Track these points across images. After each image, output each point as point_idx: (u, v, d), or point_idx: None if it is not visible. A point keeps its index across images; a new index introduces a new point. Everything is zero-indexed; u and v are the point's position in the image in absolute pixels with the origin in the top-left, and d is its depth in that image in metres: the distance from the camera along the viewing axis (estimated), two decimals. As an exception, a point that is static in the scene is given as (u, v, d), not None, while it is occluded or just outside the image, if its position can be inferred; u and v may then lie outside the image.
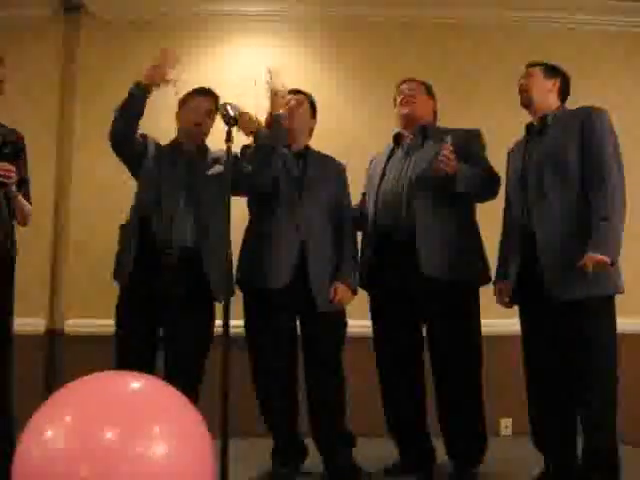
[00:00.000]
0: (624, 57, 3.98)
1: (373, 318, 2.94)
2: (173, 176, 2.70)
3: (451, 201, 2.78)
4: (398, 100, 2.99)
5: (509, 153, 2.85)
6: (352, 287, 2.82)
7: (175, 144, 2.81)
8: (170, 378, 2.15)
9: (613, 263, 2.43)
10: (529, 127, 2.76)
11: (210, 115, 2.78)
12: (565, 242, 2.50)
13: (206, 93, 2.81)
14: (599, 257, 2.38)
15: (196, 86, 2.84)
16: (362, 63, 3.84)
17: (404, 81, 3.03)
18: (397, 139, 3.00)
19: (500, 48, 3.89)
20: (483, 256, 2.86)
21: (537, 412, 2.65)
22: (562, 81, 2.74)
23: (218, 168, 2.74)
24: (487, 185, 2.81)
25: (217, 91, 2.81)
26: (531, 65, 2.77)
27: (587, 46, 3.93)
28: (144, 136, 2.76)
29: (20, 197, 2.64)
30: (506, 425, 3.64)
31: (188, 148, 2.79)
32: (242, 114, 2.51)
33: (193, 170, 2.74)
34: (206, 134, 2.83)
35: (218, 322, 2.51)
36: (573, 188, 2.52)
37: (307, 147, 2.98)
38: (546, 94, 2.71)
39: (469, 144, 2.82)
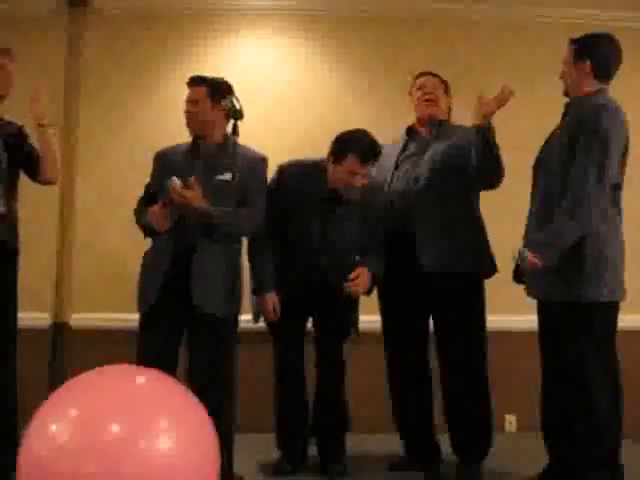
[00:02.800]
0: (631, 52, 3.94)
1: (382, 313, 2.94)
2: None
3: (458, 197, 2.79)
4: (417, 94, 2.92)
5: None
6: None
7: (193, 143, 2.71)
8: None
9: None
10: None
11: (199, 103, 2.63)
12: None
13: (192, 83, 2.68)
14: (531, 258, 2.34)
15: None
16: (368, 59, 3.82)
17: (423, 74, 2.96)
18: (409, 133, 2.97)
19: (507, 44, 3.86)
20: (488, 250, 2.86)
21: (548, 407, 2.62)
22: (596, 60, 2.51)
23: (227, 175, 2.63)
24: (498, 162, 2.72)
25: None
26: (571, 42, 2.57)
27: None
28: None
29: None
30: (510, 421, 3.63)
31: (205, 150, 2.67)
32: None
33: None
34: (203, 124, 2.66)
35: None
36: (556, 192, 2.43)
37: None
38: (580, 81, 2.53)
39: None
